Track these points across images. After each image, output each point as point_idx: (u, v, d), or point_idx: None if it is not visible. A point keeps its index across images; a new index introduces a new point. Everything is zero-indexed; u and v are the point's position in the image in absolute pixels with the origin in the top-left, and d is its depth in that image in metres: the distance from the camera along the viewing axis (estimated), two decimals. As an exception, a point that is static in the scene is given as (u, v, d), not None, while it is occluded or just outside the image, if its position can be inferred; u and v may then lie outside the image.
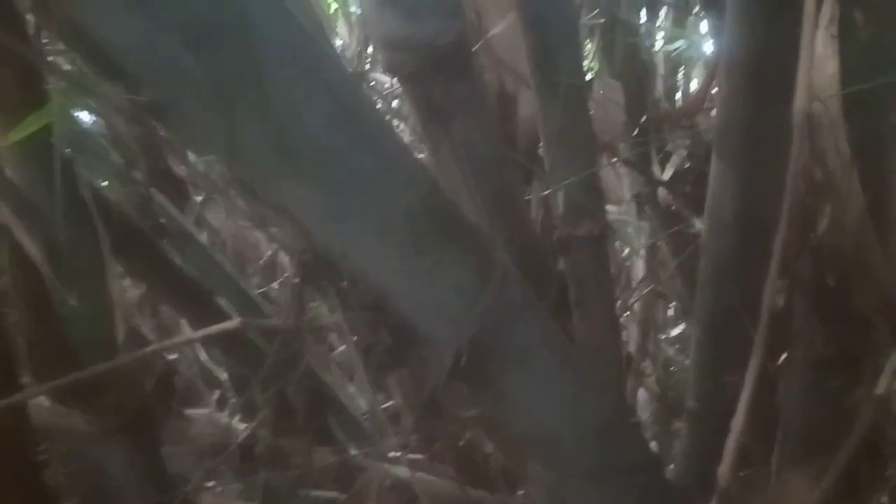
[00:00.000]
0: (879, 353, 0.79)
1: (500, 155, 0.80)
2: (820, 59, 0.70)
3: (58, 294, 1.03)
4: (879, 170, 0.75)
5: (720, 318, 0.76)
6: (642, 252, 1.45)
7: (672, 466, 1.01)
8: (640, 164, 1.19)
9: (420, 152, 0.78)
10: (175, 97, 0.52)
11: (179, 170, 1.52)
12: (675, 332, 1.79)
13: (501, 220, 0.78)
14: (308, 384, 1.10)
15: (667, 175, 1.21)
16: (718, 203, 0.65)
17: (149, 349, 0.91)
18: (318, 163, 0.52)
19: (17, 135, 0.82)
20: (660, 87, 1.26)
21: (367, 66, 1.43)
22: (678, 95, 1.35)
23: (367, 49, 1.45)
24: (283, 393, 1.09)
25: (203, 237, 1.53)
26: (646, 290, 1.38)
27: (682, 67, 1.40)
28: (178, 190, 1.52)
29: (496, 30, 1.01)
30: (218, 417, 1.40)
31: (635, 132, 1.16)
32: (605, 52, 1.15)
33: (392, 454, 1.19)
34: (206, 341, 1.44)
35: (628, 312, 1.48)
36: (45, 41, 0.93)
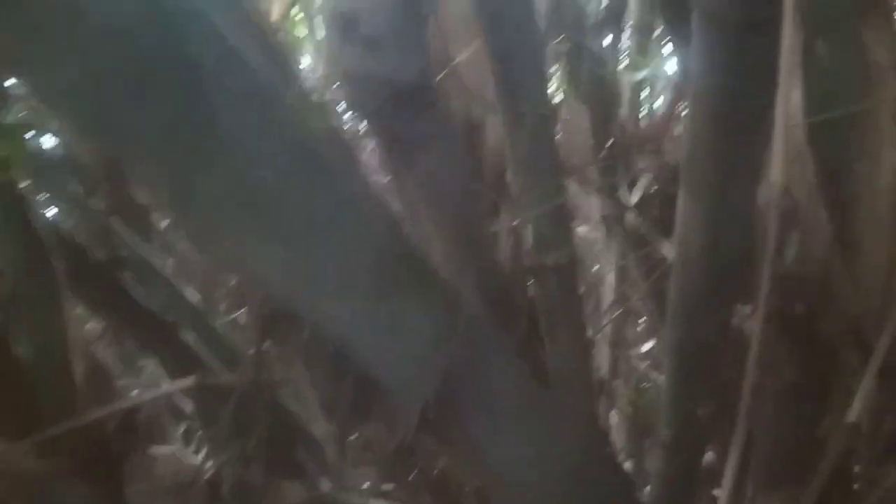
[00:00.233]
0: (848, 380, 0.79)
1: (467, 189, 0.79)
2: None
3: (12, 330, 1.00)
4: (845, 197, 0.75)
5: (691, 348, 0.75)
6: (611, 273, 1.45)
7: (647, 490, 1.00)
8: (608, 188, 1.19)
9: (384, 185, 0.76)
10: (117, 146, 0.50)
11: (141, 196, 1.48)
12: (646, 347, 1.80)
13: (468, 254, 0.77)
14: (276, 416, 1.07)
15: (634, 198, 1.21)
16: (687, 236, 0.65)
17: (101, 412, 0.88)
18: (273, 212, 0.50)
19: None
20: (625, 110, 1.26)
21: (335, 92, 1.41)
22: (643, 118, 1.36)
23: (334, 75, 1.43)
24: (250, 426, 1.06)
25: (167, 264, 1.50)
26: (616, 313, 1.38)
27: (647, 90, 1.41)
28: (139, 217, 1.49)
29: (462, 57, 1.00)
30: (183, 454, 1.36)
31: (602, 156, 1.16)
32: (571, 77, 1.15)
33: (364, 486, 1.17)
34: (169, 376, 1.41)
35: (599, 334, 1.48)
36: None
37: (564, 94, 1.19)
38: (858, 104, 0.75)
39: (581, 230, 1.32)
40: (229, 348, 1.37)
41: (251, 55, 0.57)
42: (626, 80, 1.21)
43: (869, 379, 0.71)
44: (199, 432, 1.55)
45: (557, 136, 0.94)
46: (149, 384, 1.58)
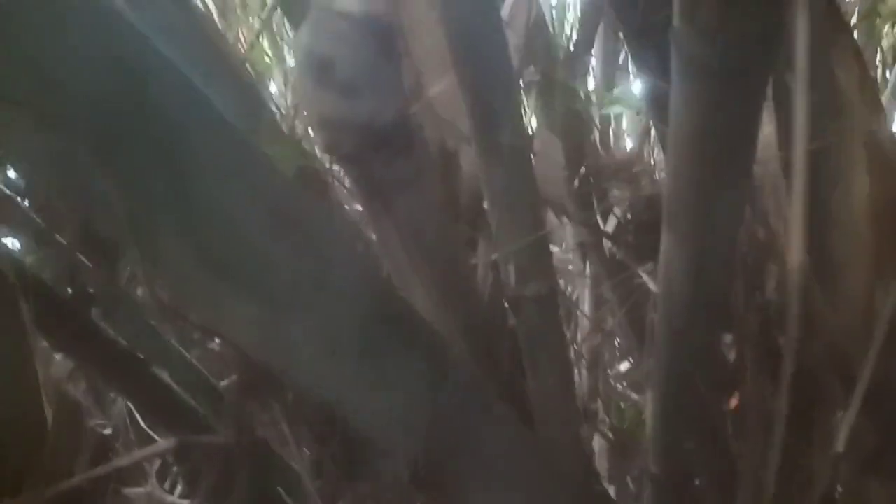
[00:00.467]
0: (830, 410, 0.79)
1: (446, 231, 0.78)
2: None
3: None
4: (822, 228, 0.76)
5: (676, 383, 0.75)
6: (587, 299, 1.45)
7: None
8: (583, 216, 1.19)
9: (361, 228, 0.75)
10: (86, 210, 0.48)
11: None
12: (623, 367, 1.80)
13: (449, 294, 0.76)
14: (261, 474, 1.05)
15: (609, 225, 1.21)
16: (670, 273, 0.64)
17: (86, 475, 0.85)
18: (252, 276, 0.48)
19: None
20: (597, 140, 1.27)
21: (305, 122, 1.40)
22: (615, 147, 1.37)
23: (302, 104, 1.42)
24: (228, 462, 1.04)
25: (136, 296, 1.47)
26: (595, 340, 1.38)
27: (618, 119, 1.42)
28: (107, 251, 1.46)
29: (437, 88, 1.00)
30: (158, 496, 1.32)
31: (576, 185, 1.16)
32: (544, 107, 1.15)
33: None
34: (142, 416, 1.37)
35: (577, 360, 1.47)
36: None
37: (537, 125, 1.19)
38: (831, 135, 0.76)
39: (556, 258, 1.31)
40: (204, 383, 1.34)
41: (222, 97, 0.55)
42: (598, 110, 1.21)
43: (853, 409, 0.71)
44: (174, 469, 1.51)
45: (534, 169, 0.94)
46: (119, 422, 1.54)
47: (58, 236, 1.32)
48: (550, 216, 1.25)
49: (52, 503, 1.05)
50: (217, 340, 1.29)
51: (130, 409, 1.46)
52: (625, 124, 1.63)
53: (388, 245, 0.69)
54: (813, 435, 0.80)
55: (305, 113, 0.66)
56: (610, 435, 1.55)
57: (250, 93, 0.94)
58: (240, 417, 0.63)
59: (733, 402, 0.97)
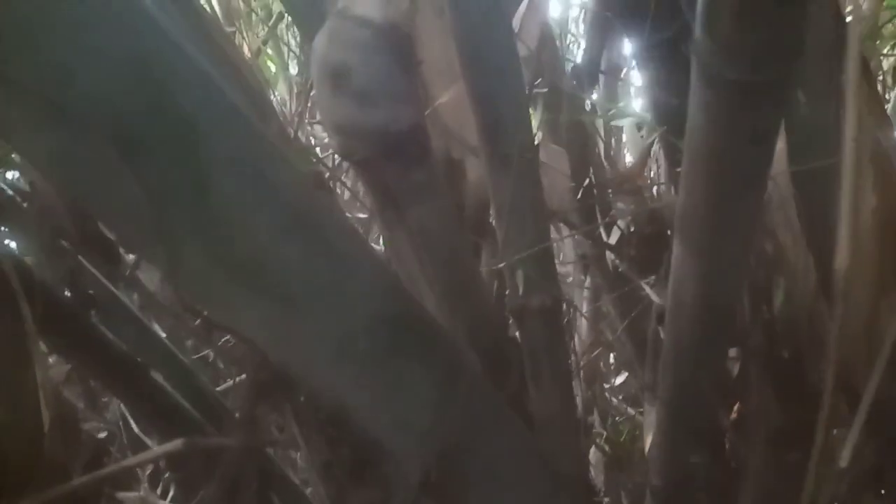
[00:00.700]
0: (834, 426, 0.79)
1: (458, 239, 0.79)
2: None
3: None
4: (829, 242, 0.76)
5: (683, 398, 0.75)
6: (588, 311, 1.45)
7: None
8: (586, 228, 1.20)
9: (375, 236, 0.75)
10: (104, 209, 0.48)
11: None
12: (619, 380, 1.80)
13: (461, 303, 0.76)
14: (268, 480, 1.04)
15: (613, 238, 1.22)
16: (680, 286, 0.65)
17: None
18: (268, 277, 0.48)
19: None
20: (602, 151, 1.27)
21: (308, 130, 1.41)
22: (619, 159, 1.38)
23: (306, 112, 1.43)
24: (223, 468, 1.03)
25: (135, 299, 1.46)
26: (594, 353, 1.38)
27: (623, 131, 1.43)
28: (108, 253, 1.45)
29: (443, 99, 1.00)
30: (152, 501, 1.31)
31: (580, 196, 1.16)
32: (550, 119, 1.16)
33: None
34: (137, 420, 1.37)
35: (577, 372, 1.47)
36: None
37: (542, 136, 1.19)
38: (839, 151, 0.76)
39: (560, 270, 1.31)
40: (201, 389, 1.34)
41: (241, 104, 0.56)
42: (603, 122, 1.22)
43: (858, 425, 0.71)
44: (168, 474, 1.50)
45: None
46: (116, 425, 1.53)
47: (58, 238, 1.31)
48: (554, 229, 1.25)
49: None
50: (218, 343, 1.28)
51: (125, 414, 1.45)
52: (624, 137, 1.63)
53: (400, 252, 0.69)
54: (815, 450, 0.80)
55: (320, 119, 0.66)
56: (606, 448, 1.55)
57: (259, 99, 0.95)
58: (250, 420, 0.62)
59: (733, 414, 0.97)
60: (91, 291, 1.30)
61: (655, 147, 1.33)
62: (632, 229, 1.17)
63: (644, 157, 1.25)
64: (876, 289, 0.79)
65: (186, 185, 0.46)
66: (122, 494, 1.39)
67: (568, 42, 1.34)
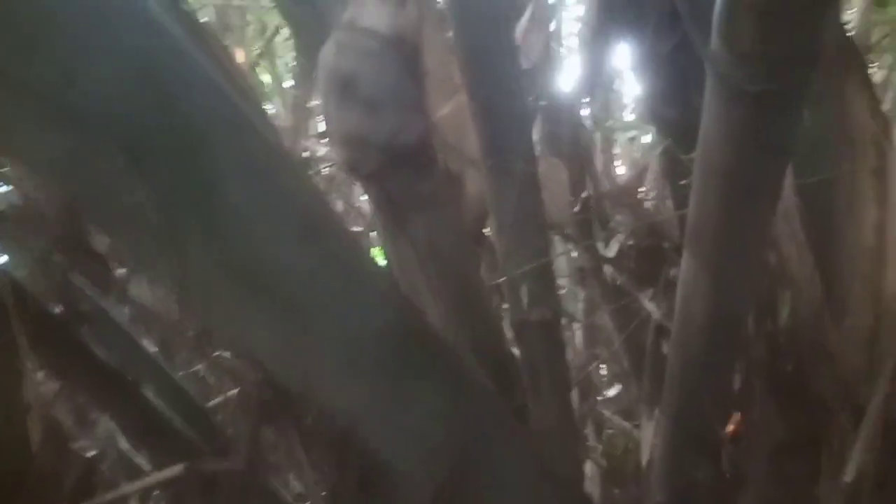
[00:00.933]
0: (838, 438, 0.79)
1: (464, 252, 0.78)
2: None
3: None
4: (833, 255, 0.76)
5: (689, 412, 0.74)
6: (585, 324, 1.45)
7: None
8: (585, 240, 1.20)
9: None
10: (111, 217, 0.47)
11: (99, 244, 1.43)
12: (612, 393, 1.80)
13: (465, 317, 0.75)
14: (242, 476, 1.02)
15: (611, 251, 1.22)
16: (689, 301, 0.64)
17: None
18: (277, 287, 0.47)
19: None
20: (599, 164, 1.27)
21: (304, 141, 1.40)
22: (619, 173, 1.38)
23: (303, 124, 1.43)
24: (213, 485, 1.01)
25: (124, 313, 1.44)
26: (590, 366, 1.38)
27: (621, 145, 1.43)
28: (99, 268, 1.43)
29: (442, 112, 0.99)
30: (146, 521, 1.29)
31: (579, 210, 1.16)
32: (548, 132, 1.16)
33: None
34: (127, 436, 1.35)
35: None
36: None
37: (541, 149, 1.19)
38: (842, 165, 0.77)
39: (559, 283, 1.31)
40: (192, 404, 1.32)
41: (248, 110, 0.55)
42: (602, 135, 1.22)
43: (863, 440, 0.71)
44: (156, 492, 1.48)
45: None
46: (105, 442, 1.51)
47: (49, 252, 1.30)
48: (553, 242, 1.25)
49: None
50: (210, 357, 1.26)
51: (115, 432, 1.43)
52: (618, 150, 1.64)
53: (403, 264, 0.69)
54: (821, 463, 0.80)
55: (327, 130, 0.66)
56: (602, 461, 1.55)
57: (257, 112, 0.94)
58: (252, 442, 0.61)
59: (732, 427, 0.96)
60: (82, 307, 1.28)
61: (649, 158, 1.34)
62: (630, 242, 1.17)
63: (641, 170, 1.25)
64: (877, 302, 0.79)
65: (192, 192, 0.45)
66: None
67: (566, 55, 1.35)
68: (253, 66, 1.50)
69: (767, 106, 0.46)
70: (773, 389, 0.80)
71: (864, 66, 0.81)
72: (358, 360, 0.50)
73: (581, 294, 1.42)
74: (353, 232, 0.73)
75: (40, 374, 1.36)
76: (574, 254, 1.30)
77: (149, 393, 1.27)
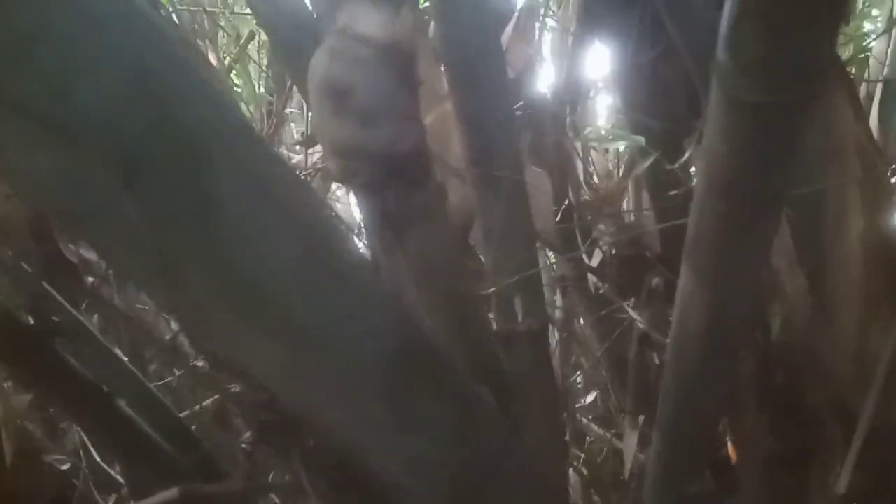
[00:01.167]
0: (830, 451, 0.79)
1: (457, 264, 0.77)
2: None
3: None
4: (824, 266, 0.77)
5: (682, 427, 0.74)
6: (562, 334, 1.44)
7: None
8: (567, 250, 1.19)
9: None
10: (103, 236, 0.45)
11: (71, 254, 1.40)
12: (588, 399, 1.80)
13: (459, 330, 0.74)
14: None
15: (594, 260, 1.22)
16: (687, 313, 0.64)
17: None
18: (277, 308, 0.45)
19: None
20: (582, 174, 1.27)
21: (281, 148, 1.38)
22: (602, 181, 1.38)
23: (279, 131, 1.41)
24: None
25: (96, 323, 1.41)
26: (572, 377, 1.37)
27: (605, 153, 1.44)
28: (71, 278, 1.40)
29: (426, 121, 0.99)
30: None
31: (560, 218, 1.16)
32: (532, 142, 1.15)
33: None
34: (100, 448, 1.31)
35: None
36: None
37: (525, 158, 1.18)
38: (828, 177, 0.77)
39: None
40: (168, 415, 1.29)
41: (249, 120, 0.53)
42: (584, 144, 1.22)
43: (855, 450, 0.71)
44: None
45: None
46: (77, 456, 1.47)
47: (20, 263, 1.26)
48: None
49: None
50: (186, 367, 1.24)
51: (86, 443, 1.40)
52: (595, 157, 1.64)
53: (397, 277, 0.67)
54: (812, 475, 0.80)
55: (319, 140, 0.64)
56: (584, 470, 1.54)
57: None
58: (252, 464, 0.59)
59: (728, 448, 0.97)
60: (55, 318, 1.25)
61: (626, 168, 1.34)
62: (613, 252, 1.17)
63: (623, 180, 1.26)
64: (865, 312, 0.80)
65: (190, 208, 0.43)
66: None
67: (548, 63, 1.35)
68: (228, 72, 1.48)
69: (773, 117, 0.46)
70: (764, 401, 0.80)
71: (849, 79, 0.81)
72: (358, 383, 0.49)
73: (560, 303, 1.42)
74: (357, 249, 0.72)
75: (9, 386, 1.32)
76: (556, 263, 1.30)
77: (123, 404, 1.25)
